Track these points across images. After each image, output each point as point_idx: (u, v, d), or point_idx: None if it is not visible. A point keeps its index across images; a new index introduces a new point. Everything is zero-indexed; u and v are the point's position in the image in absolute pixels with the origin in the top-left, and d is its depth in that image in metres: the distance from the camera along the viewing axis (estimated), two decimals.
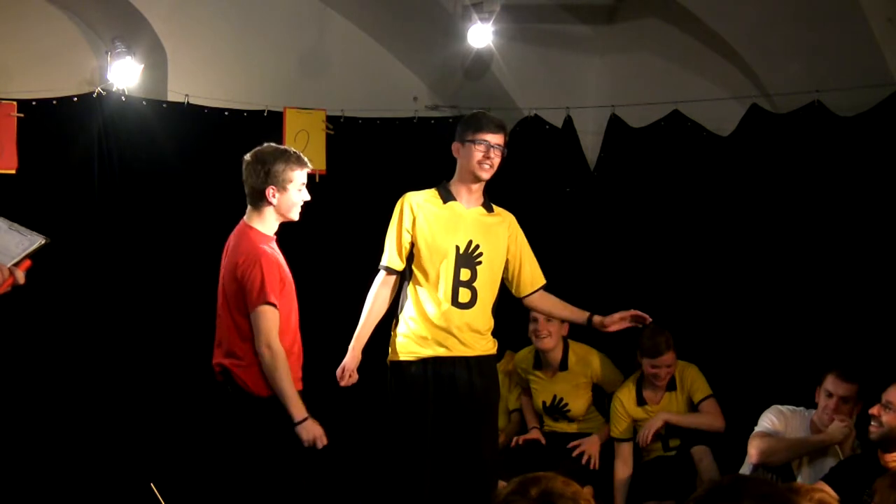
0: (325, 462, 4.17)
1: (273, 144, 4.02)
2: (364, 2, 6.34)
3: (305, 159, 4.01)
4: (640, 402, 5.19)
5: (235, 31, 6.14)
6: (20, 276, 2.67)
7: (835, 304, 5.41)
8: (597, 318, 4.38)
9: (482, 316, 4.26)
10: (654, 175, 6.19)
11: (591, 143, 6.50)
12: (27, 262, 2.70)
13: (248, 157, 3.99)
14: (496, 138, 4.21)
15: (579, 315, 4.46)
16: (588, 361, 5.39)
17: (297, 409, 3.84)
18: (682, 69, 6.13)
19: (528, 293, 4.44)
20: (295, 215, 4.02)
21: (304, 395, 4.10)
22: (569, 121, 6.43)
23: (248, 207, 4.01)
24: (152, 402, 5.72)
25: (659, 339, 5.09)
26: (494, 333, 4.37)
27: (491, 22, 5.80)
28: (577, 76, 6.55)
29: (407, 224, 4.25)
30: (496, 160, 4.22)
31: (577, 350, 5.42)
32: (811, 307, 5.49)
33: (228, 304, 3.94)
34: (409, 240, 4.25)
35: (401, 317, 4.30)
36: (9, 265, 2.66)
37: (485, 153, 4.18)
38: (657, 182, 6.17)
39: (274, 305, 3.84)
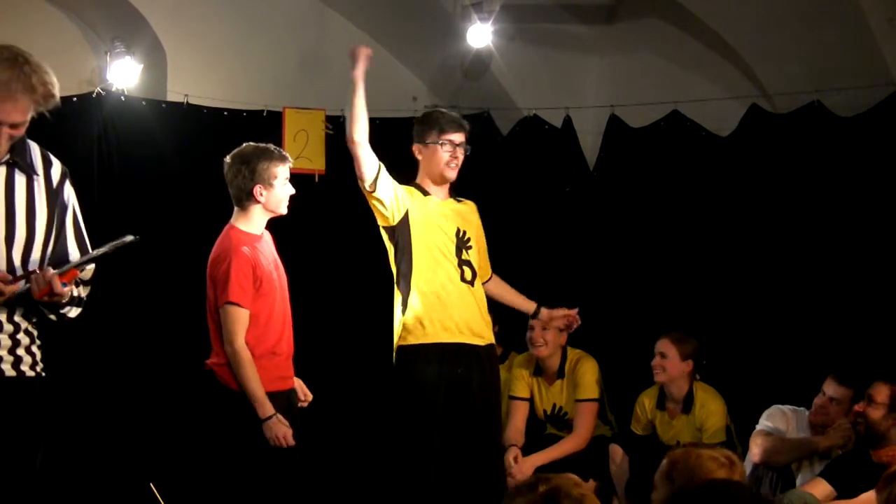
0: (320, 459, 4.17)
1: (252, 144, 4.02)
2: (364, 2, 6.34)
3: (286, 154, 4.03)
4: (661, 406, 4.99)
5: (235, 31, 6.14)
6: (57, 286, 2.70)
7: (835, 303, 5.42)
8: (544, 312, 4.43)
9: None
10: (654, 175, 6.19)
11: (590, 143, 6.49)
12: (73, 272, 2.72)
13: (228, 159, 3.99)
14: (459, 137, 4.19)
15: (527, 305, 4.47)
16: (580, 365, 5.13)
17: (263, 408, 3.83)
18: (682, 69, 6.13)
19: (484, 280, 4.37)
20: (283, 209, 4.03)
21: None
22: (568, 121, 6.43)
23: (235, 209, 4.01)
24: (151, 403, 5.70)
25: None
26: (501, 335, 4.31)
27: (490, 22, 5.80)
28: (577, 76, 6.55)
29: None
30: (461, 158, 4.20)
31: (573, 356, 5.16)
32: (811, 307, 5.50)
33: (210, 305, 3.98)
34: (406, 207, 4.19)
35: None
36: (55, 272, 2.68)
37: (452, 153, 4.17)
38: (657, 182, 6.17)
39: (238, 305, 3.84)
